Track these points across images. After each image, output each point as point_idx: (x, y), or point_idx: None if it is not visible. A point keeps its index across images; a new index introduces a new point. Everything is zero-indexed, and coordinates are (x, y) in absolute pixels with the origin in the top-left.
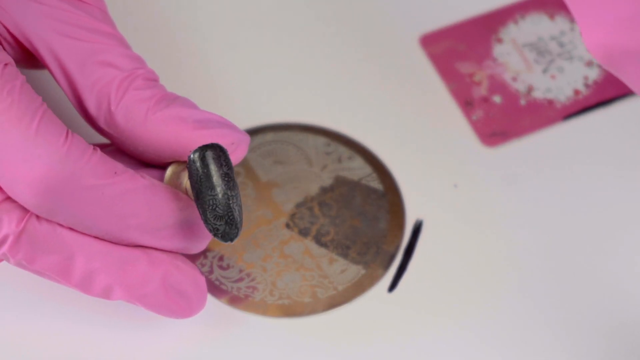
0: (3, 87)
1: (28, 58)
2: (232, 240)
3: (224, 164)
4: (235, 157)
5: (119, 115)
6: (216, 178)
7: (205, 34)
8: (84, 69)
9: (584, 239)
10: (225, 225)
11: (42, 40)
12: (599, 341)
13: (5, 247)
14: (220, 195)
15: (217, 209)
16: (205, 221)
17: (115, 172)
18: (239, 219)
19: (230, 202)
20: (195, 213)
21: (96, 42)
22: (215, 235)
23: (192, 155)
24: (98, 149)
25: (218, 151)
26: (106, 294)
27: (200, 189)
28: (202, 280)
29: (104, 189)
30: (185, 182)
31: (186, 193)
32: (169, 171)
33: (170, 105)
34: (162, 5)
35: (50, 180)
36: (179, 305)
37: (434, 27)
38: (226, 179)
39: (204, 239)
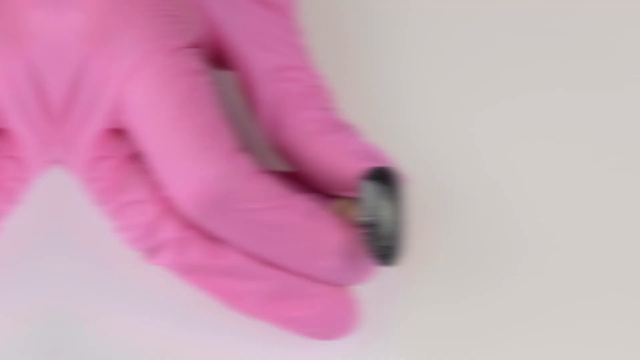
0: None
1: (214, 59)
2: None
3: (393, 187)
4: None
5: (284, 133)
6: (388, 207)
7: None
8: (266, 80)
9: (583, 238)
10: (393, 248)
11: (237, 47)
12: (596, 341)
13: (165, 251)
14: (390, 222)
15: (386, 237)
16: (373, 249)
17: (278, 199)
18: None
19: (399, 226)
20: (357, 245)
21: (285, 55)
22: (385, 261)
23: (363, 184)
24: (267, 174)
25: (386, 174)
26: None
27: (373, 220)
28: (356, 315)
29: (259, 213)
30: (351, 216)
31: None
32: (335, 207)
33: (336, 131)
34: None
35: (207, 195)
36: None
37: None
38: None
39: (364, 273)
